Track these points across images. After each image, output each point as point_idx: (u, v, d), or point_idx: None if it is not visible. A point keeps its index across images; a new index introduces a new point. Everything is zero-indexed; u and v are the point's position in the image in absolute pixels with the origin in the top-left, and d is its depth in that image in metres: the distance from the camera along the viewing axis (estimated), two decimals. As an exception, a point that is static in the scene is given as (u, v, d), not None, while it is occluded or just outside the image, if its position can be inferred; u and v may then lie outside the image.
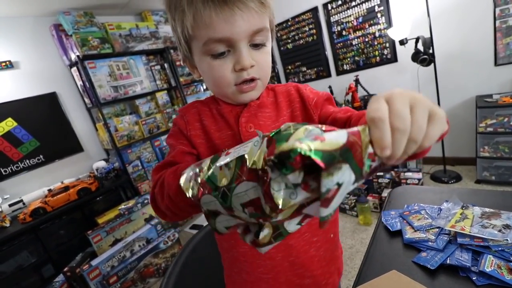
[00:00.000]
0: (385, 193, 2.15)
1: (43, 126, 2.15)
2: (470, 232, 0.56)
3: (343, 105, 2.63)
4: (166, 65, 2.79)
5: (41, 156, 2.12)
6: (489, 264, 0.50)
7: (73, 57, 2.21)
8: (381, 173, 2.24)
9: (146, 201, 2.19)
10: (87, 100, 2.39)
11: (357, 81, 2.55)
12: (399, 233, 0.67)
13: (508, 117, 1.84)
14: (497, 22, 1.95)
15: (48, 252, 1.90)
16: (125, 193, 2.50)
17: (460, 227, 0.58)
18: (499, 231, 0.55)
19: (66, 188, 2.00)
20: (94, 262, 1.72)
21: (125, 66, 2.47)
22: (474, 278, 0.50)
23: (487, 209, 0.63)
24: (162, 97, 2.75)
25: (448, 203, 0.69)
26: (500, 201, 0.68)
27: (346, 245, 1.82)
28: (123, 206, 2.15)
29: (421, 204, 0.74)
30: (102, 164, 2.37)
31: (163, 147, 2.71)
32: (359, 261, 1.64)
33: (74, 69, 2.31)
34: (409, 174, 2.15)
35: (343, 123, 0.47)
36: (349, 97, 2.62)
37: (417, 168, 2.29)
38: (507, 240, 0.52)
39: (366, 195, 2.18)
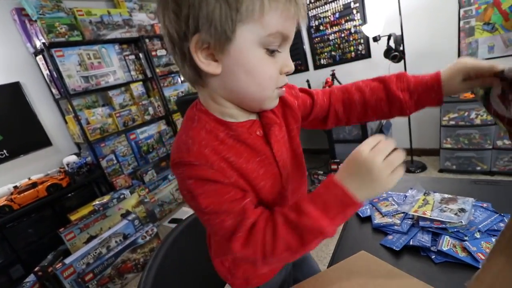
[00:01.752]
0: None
1: (5, 119, 1.99)
2: (430, 216, 0.62)
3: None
4: (141, 55, 2.69)
5: (4, 151, 1.97)
6: (446, 244, 0.56)
7: (38, 44, 2.06)
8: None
9: (122, 196, 2.13)
10: (54, 91, 2.24)
11: (333, 75, 2.62)
12: (369, 219, 0.72)
13: (468, 112, 2.00)
14: (461, 23, 2.09)
15: (16, 252, 1.80)
16: (99, 188, 2.40)
17: (422, 212, 0.64)
18: (455, 214, 0.61)
19: (34, 185, 1.89)
20: (68, 260, 1.66)
21: (96, 55, 2.35)
22: (433, 257, 0.55)
23: (446, 195, 0.69)
24: (137, 88, 2.65)
25: (412, 191, 0.75)
26: (457, 187, 0.76)
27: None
28: (97, 202, 2.08)
29: (389, 192, 0.80)
30: (73, 158, 2.26)
31: (139, 141, 2.63)
32: (333, 248, 1.72)
33: (39, 57, 2.15)
34: (380, 165, 2.27)
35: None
36: (326, 91, 2.70)
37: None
38: (461, 222, 0.58)
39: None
